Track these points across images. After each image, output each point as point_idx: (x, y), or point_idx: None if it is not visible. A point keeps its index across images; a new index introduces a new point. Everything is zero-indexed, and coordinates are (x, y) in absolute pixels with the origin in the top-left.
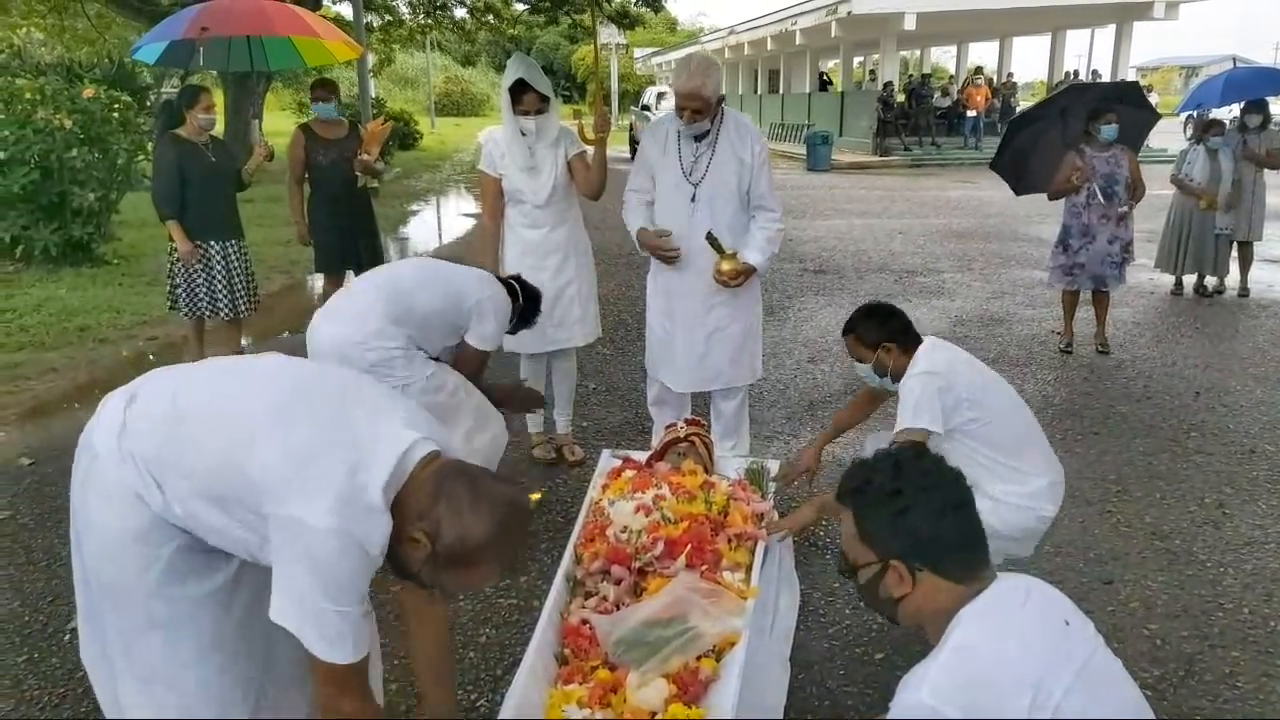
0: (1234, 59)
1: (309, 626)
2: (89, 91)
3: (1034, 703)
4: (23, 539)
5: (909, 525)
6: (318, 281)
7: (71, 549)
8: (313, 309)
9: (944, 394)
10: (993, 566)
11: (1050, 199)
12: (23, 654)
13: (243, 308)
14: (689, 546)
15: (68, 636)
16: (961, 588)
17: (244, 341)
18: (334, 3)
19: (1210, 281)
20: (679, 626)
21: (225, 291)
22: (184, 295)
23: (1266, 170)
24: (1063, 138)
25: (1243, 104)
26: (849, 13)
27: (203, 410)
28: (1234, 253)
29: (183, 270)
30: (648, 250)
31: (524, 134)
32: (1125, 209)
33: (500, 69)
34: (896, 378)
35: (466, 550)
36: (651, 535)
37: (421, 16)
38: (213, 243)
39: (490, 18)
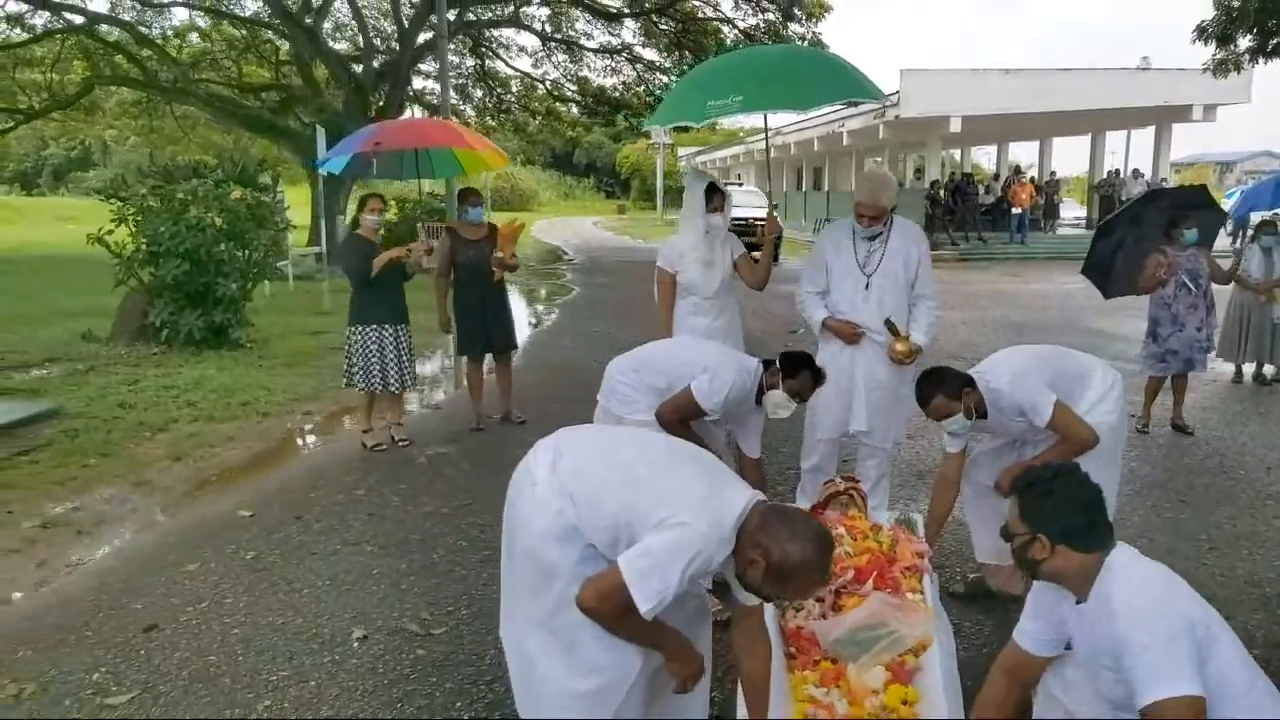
0: (1269, 154)
1: (637, 568)
2: (237, 194)
3: (1202, 634)
4: (275, 574)
5: (1050, 512)
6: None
7: (502, 550)
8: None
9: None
10: (1115, 538)
11: (1140, 294)
12: (325, 656)
13: (407, 382)
14: (874, 573)
15: (356, 644)
16: (1088, 556)
17: (406, 410)
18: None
19: (1269, 370)
20: (883, 630)
21: (395, 368)
22: (360, 371)
23: None
24: (1140, 242)
25: None
26: (896, 116)
27: (609, 458)
28: None
29: (360, 349)
30: (834, 333)
31: (709, 231)
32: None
33: (546, 166)
34: (982, 413)
35: (792, 565)
36: (840, 565)
37: (488, 119)
38: (386, 326)
39: (551, 120)
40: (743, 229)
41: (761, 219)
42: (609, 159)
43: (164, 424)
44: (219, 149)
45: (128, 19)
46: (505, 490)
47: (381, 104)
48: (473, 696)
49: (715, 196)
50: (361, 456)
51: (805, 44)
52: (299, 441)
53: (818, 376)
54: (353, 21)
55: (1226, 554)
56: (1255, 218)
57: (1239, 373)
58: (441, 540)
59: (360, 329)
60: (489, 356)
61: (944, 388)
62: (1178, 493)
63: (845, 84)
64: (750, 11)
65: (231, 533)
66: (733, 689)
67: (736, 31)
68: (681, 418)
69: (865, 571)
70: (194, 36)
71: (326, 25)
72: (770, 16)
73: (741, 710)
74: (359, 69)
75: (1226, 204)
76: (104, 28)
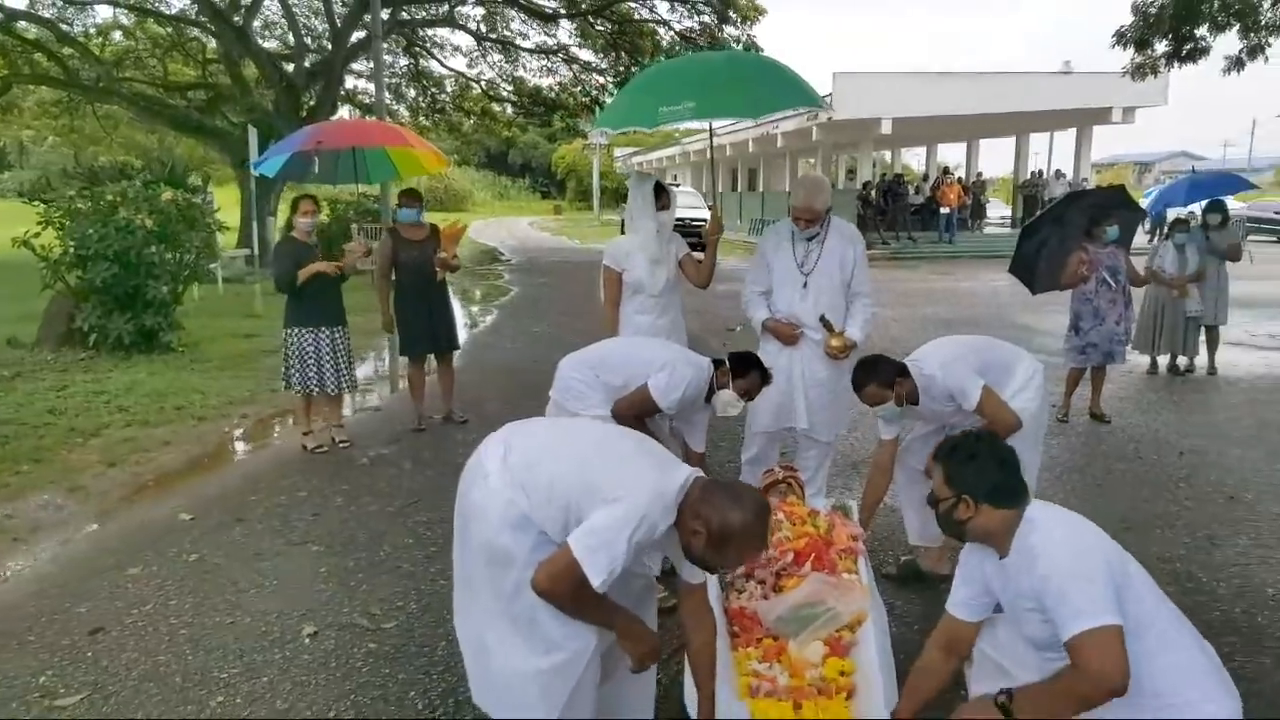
0: (1185, 154)
1: (586, 544)
2: (168, 195)
3: (1118, 572)
4: (221, 575)
5: (972, 475)
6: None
7: (455, 544)
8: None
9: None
10: (1030, 496)
11: (1063, 289)
12: (276, 653)
13: (345, 384)
14: (812, 555)
15: (307, 640)
16: (1009, 512)
17: (344, 413)
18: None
19: (1182, 361)
20: (821, 608)
21: (332, 371)
22: (297, 374)
23: (1228, 262)
24: (1064, 241)
25: (1205, 204)
26: (829, 118)
27: (559, 448)
28: (1202, 336)
29: (298, 352)
30: (773, 334)
31: (660, 229)
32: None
33: (481, 166)
34: (914, 400)
35: (732, 531)
36: (779, 548)
37: (421, 119)
38: (323, 329)
39: (487, 120)
40: (684, 229)
41: (700, 220)
42: (544, 159)
43: (96, 430)
44: (143, 149)
45: (48, 16)
46: (450, 489)
47: (314, 103)
48: (425, 686)
49: (663, 195)
50: (302, 459)
51: (740, 46)
52: (237, 445)
53: (765, 376)
54: (282, 20)
55: (1141, 534)
56: (1171, 214)
57: (1154, 364)
58: (388, 538)
59: (297, 331)
60: (430, 357)
61: (877, 376)
62: (1095, 478)
63: (792, 92)
64: (686, 14)
65: (173, 536)
66: (679, 669)
67: (673, 33)
68: (637, 414)
69: (803, 554)
70: (117, 34)
71: (255, 23)
72: (706, 19)
73: (689, 686)
74: (290, 68)
75: (1145, 202)
76: (22, 24)
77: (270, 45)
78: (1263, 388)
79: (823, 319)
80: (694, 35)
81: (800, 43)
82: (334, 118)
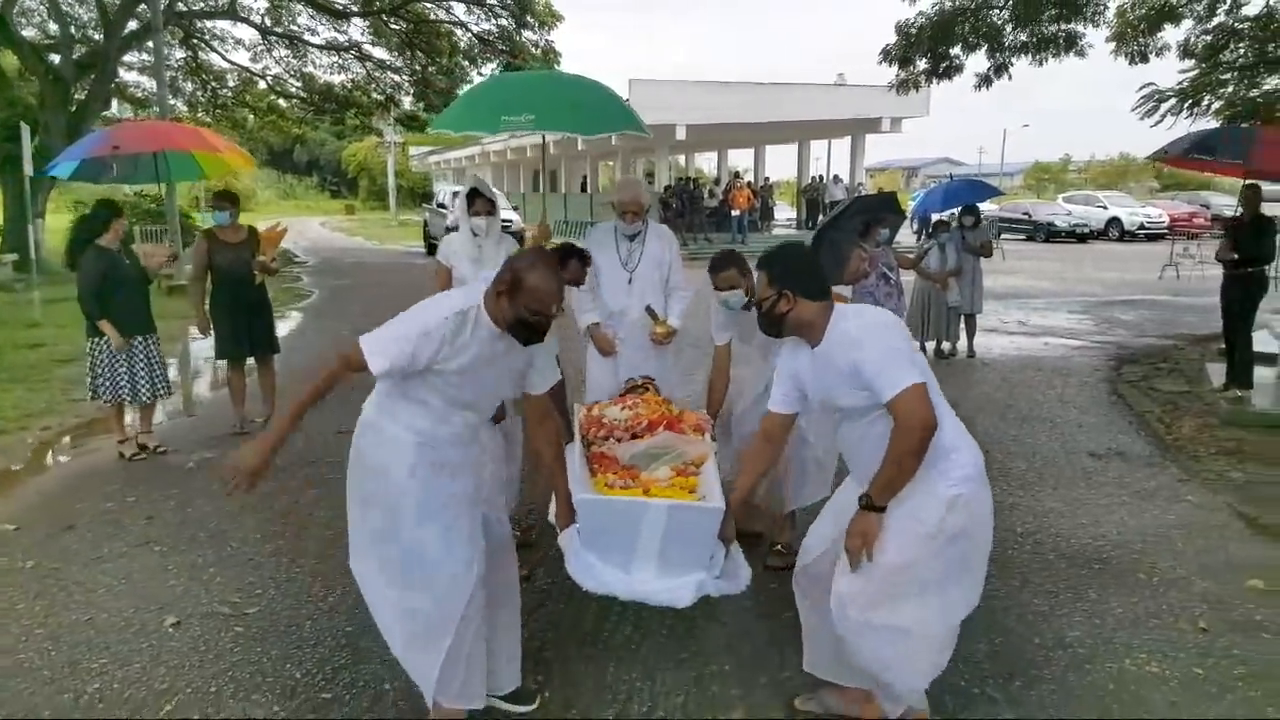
0: (947, 160)
1: (375, 337)
2: None
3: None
4: (64, 578)
5: (789, 273)
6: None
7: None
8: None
9: None
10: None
11: (846, 285)
12: (143, 642)
13: (160, 391)
14: (664, 424)
15: (170, 629)
16: (821, 303)
17: (156, 420)
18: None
19: (945, 346)
20: (670, 450)
21: (145, 378)
22: (106, 383)
23: (982, 258)
24: (843, 243)
25: (960, 209)
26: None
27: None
28: (962, 324)
29: (106, 361)
30: (594, 341)
31: (475, 233)
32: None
33: (263, 164)
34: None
35: (521, 275)
36: (635, 420)
37: (201, 114)
38: (135, 337)
39: (274, 117)
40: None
41: (507, 220)
42: (333, 157)
43: None
44: None
45: None
46: (285, 486)
47: (84, 97)
48: (299, 659)
49: (477, 200)
50: (121, 466)
51: (539, 51)
52: (46, 457)
53: (584, 257)
54: (41, 7)
55: None
56: (935, 218)
57: (923, 348)
58: (232, 535)
59: (103, 340)
60: (249, 360)
61: (740, 265)
62: None
63: (621, 117)
64: (483, 16)
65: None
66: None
67: (470, 35)
68: None
69: (656, 423)
70: None
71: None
72: (504, 22)
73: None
74: (56, 59)
75: (912, 205)
76: None
77: (28, 34)
78: (1013, 367)
79: (648, 309)
80: (492, 38)
81: (597, 50)
82: (108, 112)
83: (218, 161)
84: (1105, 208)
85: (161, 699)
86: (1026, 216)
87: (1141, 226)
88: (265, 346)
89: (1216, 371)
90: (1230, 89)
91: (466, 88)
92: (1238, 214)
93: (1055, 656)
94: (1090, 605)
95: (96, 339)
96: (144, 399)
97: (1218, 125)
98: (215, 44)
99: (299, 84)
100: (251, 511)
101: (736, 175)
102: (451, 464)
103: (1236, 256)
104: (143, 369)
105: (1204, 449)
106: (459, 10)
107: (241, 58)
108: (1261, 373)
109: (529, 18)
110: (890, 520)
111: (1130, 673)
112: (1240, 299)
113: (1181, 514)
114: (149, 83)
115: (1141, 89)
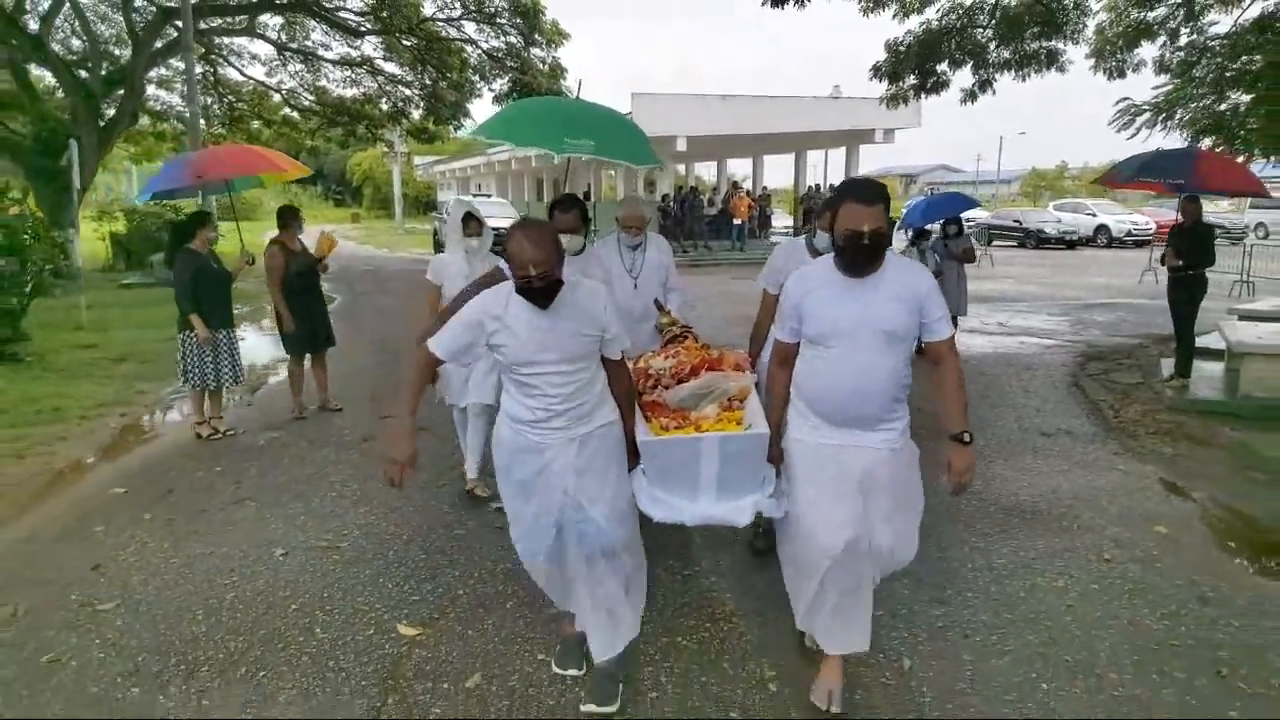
0: (944, 167)
1: (440, 329)
2: (15, 209)
3: None
4: (180, 526)
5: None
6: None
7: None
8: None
9: None
10: None
11: None
12: (261, 566)
13: (240, 378)
14: (706, 367)
15: (280, 558)
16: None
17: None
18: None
19: None
20: (714, 388)
21: (228, 367)
22: (195, 371)
23: (966, 264)
24: None
25: (943, 220)
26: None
27: None
28: None
29: (195, 352)
30: None
31: (468, 252)
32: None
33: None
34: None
35: (505, 247)
36: (679, 366)
37: (217, 126)
38: (220, 331)
39: (287, 129)
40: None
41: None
42: (338, 165)
43: None
44: None
45: None
46: (346, 461)
47: (114, 112)
48: (390, 574)
49: (471, 223)
50: (200, 445)
51: (545, 67)
52: (130, 437)
53: (578, 205)
54: (65, 24)
55: None
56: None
57: None
58: (314, 493)
59: (192, 333)
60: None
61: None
62: None
63: (650, 152)
64: (493, 34)
65: (115, 504)
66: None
67: (480, 52)
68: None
69: (699, 367)
70: None
71: (38, 27)
72: (512, 39)
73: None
74: (84, 75)
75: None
76: None
77: (55, 49)
78: (989, 363)
79: (656, 301)
80: (501, 55)
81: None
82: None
83: (279, 176)
84: (1094, 215)
85: (288, 601)
86: (1017, 224)
87: (1129, 233)
88: (325, 341)
89: (1170, 365)
90: (1200, 104)
91: (511, 102)
92: (1179, 221)
93: (981, 575)
94: (1017, 542)
95: (187, 332)
96: (227, 384)
97: (1181, 142)
98: (232, 59)
99: (312, 98)
100: (325, 479)
101: (736, 185)
102: (532, 447)
103: (1181, 263)
104: (226, 359)
105: (1144, 430)
106: (470, 28)
107: (257, 72)
108: (1203, 365)
109: (537, 35)
110: (908, 455)
111: (1040, 586)
112: (1185, 299)
113: (1112, 480)
114: (166, 96)
115: (1118, 103)
